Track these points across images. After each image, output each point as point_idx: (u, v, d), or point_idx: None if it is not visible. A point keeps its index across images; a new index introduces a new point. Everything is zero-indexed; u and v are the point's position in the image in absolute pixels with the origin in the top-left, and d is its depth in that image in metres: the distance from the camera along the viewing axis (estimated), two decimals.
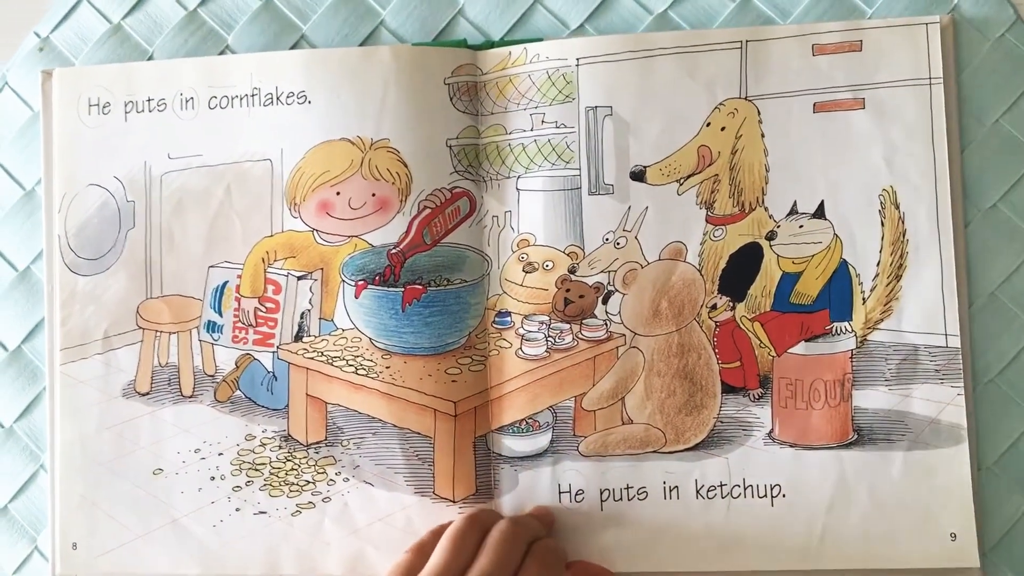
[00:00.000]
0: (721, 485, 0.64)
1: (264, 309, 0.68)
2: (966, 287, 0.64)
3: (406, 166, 0.66)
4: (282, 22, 0.70)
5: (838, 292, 0.65)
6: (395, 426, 0.66)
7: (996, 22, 0.65)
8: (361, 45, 0.69)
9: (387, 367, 0.66)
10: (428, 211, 0.66)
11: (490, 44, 0.68)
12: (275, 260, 0.68)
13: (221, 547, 0.66)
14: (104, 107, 0.69)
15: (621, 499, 0.64)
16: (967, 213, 0.64)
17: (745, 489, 0.63)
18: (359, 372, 0.66)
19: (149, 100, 0.68)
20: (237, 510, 0.67)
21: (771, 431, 0.64)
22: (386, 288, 0.66)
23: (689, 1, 0.67)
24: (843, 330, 0.64)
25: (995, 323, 0.64)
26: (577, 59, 0.65)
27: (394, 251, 0.66)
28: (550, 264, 0.65)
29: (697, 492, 0.64)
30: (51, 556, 0.67)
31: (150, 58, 0.70)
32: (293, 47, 0.69)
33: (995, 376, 0.64)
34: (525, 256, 0.66)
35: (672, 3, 0.67)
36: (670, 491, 0.64)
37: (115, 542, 0.67)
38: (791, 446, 0.64)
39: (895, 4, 0.65)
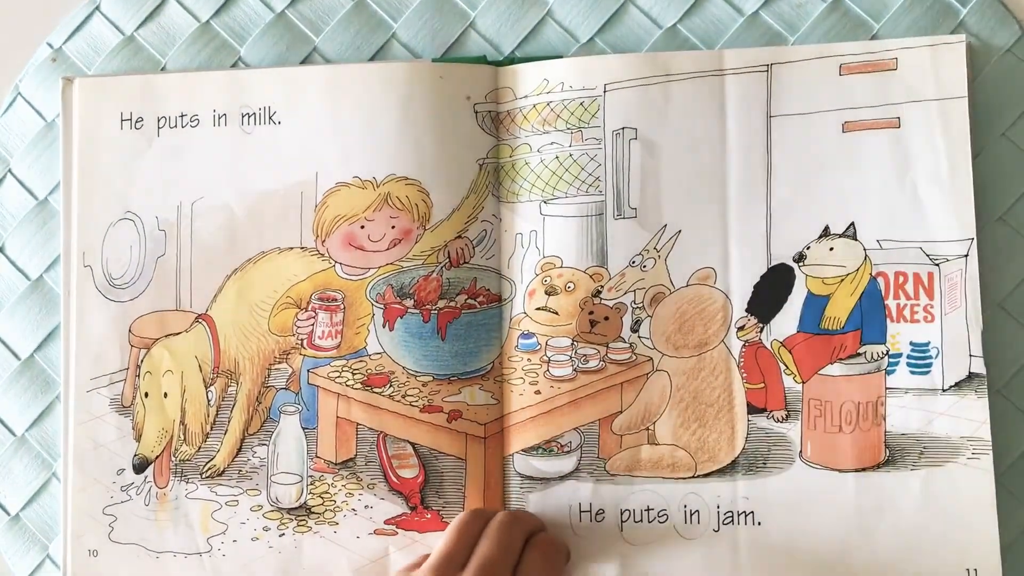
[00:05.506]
0: (742, 512, 0.63)
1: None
2: (979, 300, 0.64)
3: (424, 193, 0.66)
4: (294, 34, 0.70)
5: (870, 313, 0.63)
6: (429, 448, 0.66)
7: (1002, 37, 0.66)
8: (373, 58, 0.69)
9: (417, 391, 0.66)
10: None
11: (511, 60, 0.68)
12: (307, 304, 0.67)
13: (239, 559, 0.66)
14: (137, 123, 0.69)
15: (641, 520, 0.64)
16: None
17: (766, 513, 0.63)
18: (393, 398, 0.66)
19: (182, 116, 0.68)
20: (265, 528, 0.67)
21: (801, 452, 0.63)
22: (418, 311, 0.66)
23: (698, 15, 0.68)
24: (876, 355, 0.64)
25: (1004, 333, 0.64)
26: (605, 85, 0.65)
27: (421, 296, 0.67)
28: (571, 285, 0.65)
29: (719, 516, 0.63)
30: (63, 564, 0.67)
31: (163, 69, 0.70)
32: (305, 59, 0.70)
33: (1001, 387, 0.64)
34: (548, 279, 0.66)
35: (681, 18, 0.68)
36: (691, 515, 0.64)
37: (131, 552, 0.67)
38: (822, 468, 0.63)
39: (901, 20, 0.66)
